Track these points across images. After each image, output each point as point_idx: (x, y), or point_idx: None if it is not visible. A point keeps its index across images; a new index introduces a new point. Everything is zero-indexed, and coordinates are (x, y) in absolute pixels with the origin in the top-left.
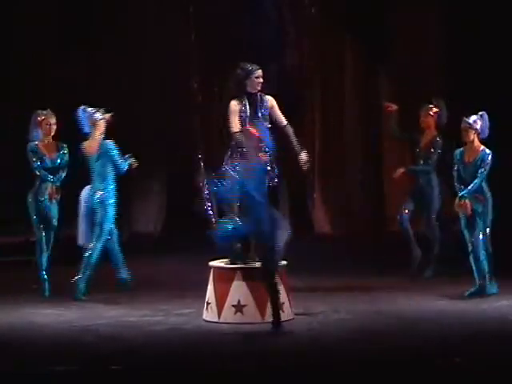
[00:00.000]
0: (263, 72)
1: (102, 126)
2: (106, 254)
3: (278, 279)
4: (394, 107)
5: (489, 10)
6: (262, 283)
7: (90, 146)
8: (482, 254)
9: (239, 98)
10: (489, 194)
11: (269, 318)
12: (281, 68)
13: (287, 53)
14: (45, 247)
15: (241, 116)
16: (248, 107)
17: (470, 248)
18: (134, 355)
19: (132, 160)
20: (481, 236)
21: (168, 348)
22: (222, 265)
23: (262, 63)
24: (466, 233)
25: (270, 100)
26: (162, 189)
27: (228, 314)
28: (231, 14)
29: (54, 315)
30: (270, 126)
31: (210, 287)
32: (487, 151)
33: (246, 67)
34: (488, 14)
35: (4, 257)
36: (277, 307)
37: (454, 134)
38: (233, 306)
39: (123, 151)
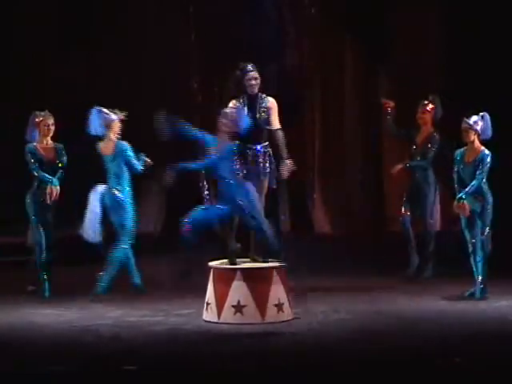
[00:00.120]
0: (263, 72)
1: (116, 127)
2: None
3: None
4: (391, 104)
5: (489, 10)
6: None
7: (106, 146)
8: (479, 255)
9: (238, 97)
10: (489, 195)
11: (269, 318)
12: (281, 68)
13: (287, 53)
14: (44, 248)
15: None
16: (246, 107)
17: (470, 249)
18: (134, 355)
19: (147, 160)
20: (479, 236)
21: (168, 348)
22: (222, 265)
23: (262, 63)
24: (466, 233)
25: (271, 102)
26: (161, 189)
27: (228, 315)
28: (231, 14)
29: (54, 315)
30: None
31: (210, 287)
32: (486, 152)
33: (243, 68)
34: (488, 14)
35: (4, 257)
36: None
37: (454, 134)
38: (232, 306)
39: (138, 150)
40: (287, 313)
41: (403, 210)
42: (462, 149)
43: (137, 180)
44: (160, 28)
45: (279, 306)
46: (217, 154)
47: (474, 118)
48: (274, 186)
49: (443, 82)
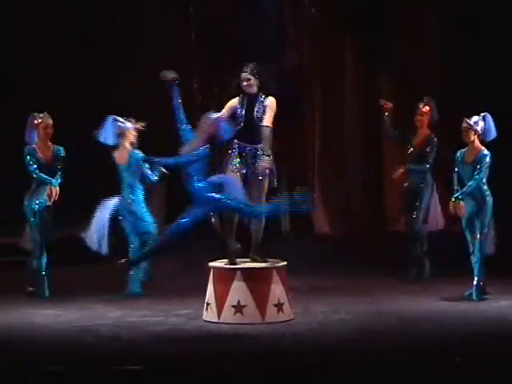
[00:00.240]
0: (263, 72)
1: (131, 136)
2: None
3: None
4: (390, 106)
5: (489, 10)
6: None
7: (120, 155)
8: (476, 256)
9: (240, 96)
10: (487, 195)
11: (269, 318)
12: (281, 68)
13: (287, 53)
14: (43, 248)
15: (236, 113)
16: (245, 107)
17: (470, 249)
18: (134, 355)
19: (161, 169)
20: (478, 237)
21: (168, 348)
22: (222, 265)
23: (262, 63)
24: (466, 234)
25: (269, 101)
26: (161, 188)
27: (228, 315)
28: (231, 14)
29: (54, 315)
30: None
31: (210, 287)
32: (485, 152)
33: (241, 69)
34: (488, 14)
35: (4, 257)
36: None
37: (454, 134)
38: (232, 306)
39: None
40: (287, 313)
41: (407, 212)
42: (464, 149)
43: None
44: (160, 28)
45: (279, 306)
46: (190, 153)
47: (475, 118)
48: (275, 186)
49: (443, 82)
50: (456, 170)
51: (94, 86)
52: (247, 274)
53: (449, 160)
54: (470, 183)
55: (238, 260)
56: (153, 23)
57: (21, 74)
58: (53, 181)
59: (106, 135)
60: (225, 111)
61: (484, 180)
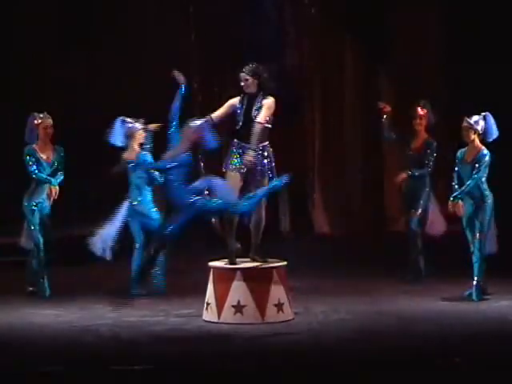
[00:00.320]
0: (263, 72)
1: (140, 137)
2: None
3: None
4: (388, 108)
5: (489, 10)
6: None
7: (129, 156)
8: (476, 256)
9: (240, 96)
10: (487, 194)
11: (269, 318)
12: (281, 68)
13: (287, 53)
14: (43, 248)
15: (236, 112)
16: (244, 106)
17: (471, 248)
18: (134, 355)
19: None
20: (477, 236)
21: (168, 348)
22: (222, 265)
23: (262, 63)
24: (467, 233)
25: (267, 100)
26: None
27: (228, 315)
28: (231, 14)
29: (54, 315)
30: (270, 126)
31: (210, 287)
32: (485, 151)
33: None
34: (488, 14)
35: (4, 257)
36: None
37: (454, 135)
38: (232, 306)
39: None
40: (287, 313)
41: (407, 212)
42: (464, 148)
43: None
44: (160, 28)
45: (279, 306)
46: (173, 159)
47: (475, 117)
48: None
49: (443, 82)
50: (456, 169)
51: (94, 86)
52: (247, 274)
53: (449, 159)
54: (468, 182)
55: (238, 260)
56: (153, 23)
57: (21, 74)
58: (52, 180)
59: (115, 136)
60: (223, 109)
61: (483, 179)
